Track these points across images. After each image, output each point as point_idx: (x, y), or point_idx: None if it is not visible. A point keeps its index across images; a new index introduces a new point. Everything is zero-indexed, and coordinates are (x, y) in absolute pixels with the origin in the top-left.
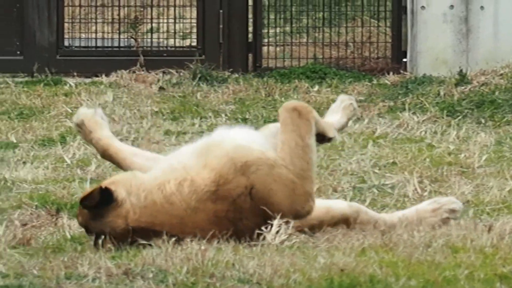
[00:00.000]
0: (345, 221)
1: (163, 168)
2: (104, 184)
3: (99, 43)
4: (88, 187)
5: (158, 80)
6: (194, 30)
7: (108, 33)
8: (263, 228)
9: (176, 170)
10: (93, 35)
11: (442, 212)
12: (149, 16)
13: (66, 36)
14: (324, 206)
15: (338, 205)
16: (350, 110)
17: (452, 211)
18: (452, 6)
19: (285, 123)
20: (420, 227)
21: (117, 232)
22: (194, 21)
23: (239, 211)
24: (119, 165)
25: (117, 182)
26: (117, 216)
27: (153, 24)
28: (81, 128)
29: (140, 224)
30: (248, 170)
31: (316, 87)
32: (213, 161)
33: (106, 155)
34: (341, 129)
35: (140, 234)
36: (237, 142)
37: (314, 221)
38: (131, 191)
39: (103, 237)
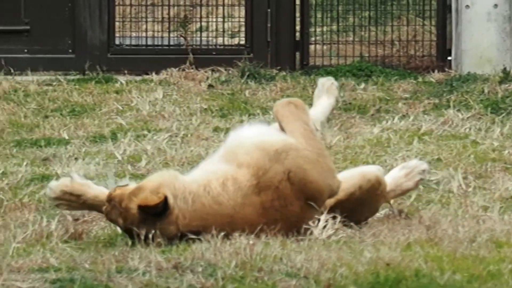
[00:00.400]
0: (378, 183)
1: (199, 174)
2: (151, 186)
3: (150, 42)
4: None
5: (207, 78)
6: (243, 28)
7: (158, 31)
8: (310, 223)
9: (214, 172)
10: (144, 34)
11: (415, 174)
12: (198, 15)
13: (117, 34)
14: (358, 172)
15: (370, 169)
16: (333, 89)
17: (423, 171)
18: (496, 5)
19: (286, 116)
20: (464, 223)
21: (168, 237)
22: (242, 20)
23: (283, 197)
24: None
25: (164, 186)
26: (168, 223)
27: (202, 23)
28: (63, 200)
29: (191, 228)
30: (280, 157)
31: (363, 85)
32: (246, 158)
33: None
34: (332, 110)
35: (190, 235)
36: (258, 137)
37: (352, 188)
38: (176, 194)
39: (153, 231)
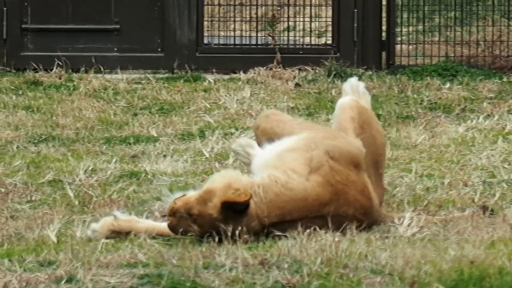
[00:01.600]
0: (356, 101)
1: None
2: (221, 187)
3: (237, 41)
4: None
5: (294, 77)
6: (330, 28)
7: (246, 31)
8: (395, 220)
9: (269, 172)
10: (232, 33)
11: (361, 92)
12: (286, 15)
13: (205, 34)
14: (338, 108)
15: (343, 99)
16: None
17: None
18: None
19: (276, 126)
20: None
21: (253, 233)
22: (329, 20)
23: (339, 172)
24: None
25: (237, 182)
26: (250, 220)
27: (290, 23)
28: (110, 238)
29: (271, 219)
30: (312, 146)
31: (448, 84)
32: (287, 159)
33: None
34: None
35: (272, 229)
36: (280, 147)
37: (349, 119)
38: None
39: (239, 228)
